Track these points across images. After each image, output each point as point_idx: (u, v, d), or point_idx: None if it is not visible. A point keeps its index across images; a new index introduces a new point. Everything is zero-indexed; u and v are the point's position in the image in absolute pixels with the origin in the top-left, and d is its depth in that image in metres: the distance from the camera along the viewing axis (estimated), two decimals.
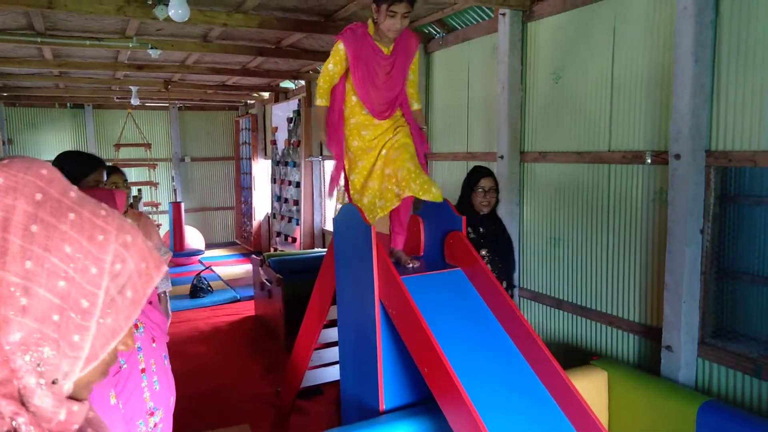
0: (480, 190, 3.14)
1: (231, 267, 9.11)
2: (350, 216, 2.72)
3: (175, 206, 9.00)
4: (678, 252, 2.85)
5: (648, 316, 3.21)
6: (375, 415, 2.53)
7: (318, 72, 7.45)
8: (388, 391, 2.54)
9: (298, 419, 3.93)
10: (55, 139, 10.03)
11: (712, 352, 2.85)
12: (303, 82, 7.91)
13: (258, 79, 8.15)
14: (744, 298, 2.89)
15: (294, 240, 8.28)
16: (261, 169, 10.18)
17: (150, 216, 9.95)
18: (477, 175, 3.19)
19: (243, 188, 11.02)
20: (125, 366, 1.75)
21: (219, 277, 8.25)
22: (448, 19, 4.69)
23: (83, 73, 7.35)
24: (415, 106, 2.87)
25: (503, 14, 3.92)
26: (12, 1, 3.63)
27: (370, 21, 2.64)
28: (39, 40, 4.99)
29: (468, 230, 3.10)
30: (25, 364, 0.61)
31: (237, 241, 11.32)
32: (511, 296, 3.20)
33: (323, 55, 6.18)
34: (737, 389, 2.78)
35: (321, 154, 7.82)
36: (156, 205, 9.93)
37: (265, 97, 9.85)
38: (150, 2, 3.98)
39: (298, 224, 8.14)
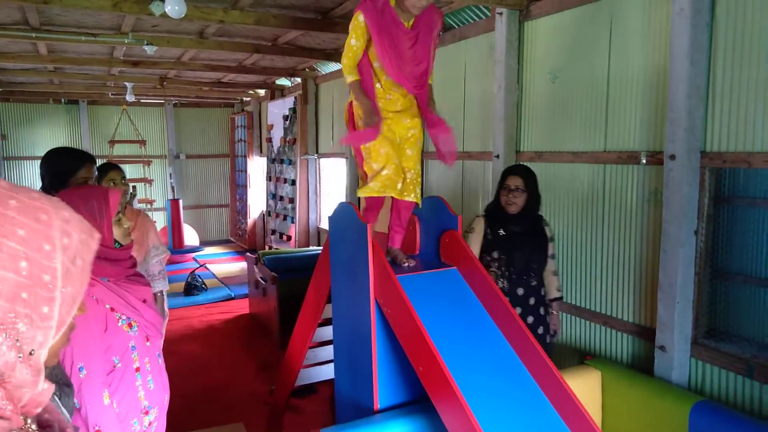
0: (505, 188, 3.05)
1: (225, 265, 9.09)
2: (346, 214, 2.71)
3: (173, 203, 8.98)
4: (672, 252, 2.86)
5: (642, 316, 3.22)
6: (369, 413, 2.53)
7: (314, 69, 7.44)
8: (382, 389, 2.54)
9: (292, 418, 3.93)
10: (50, 134, 9.98)
11: (706, 353, 2.86)
12: (299, 80, 7.89)
13: (254, 76, 8.14)
14: (737, 299, 2.91)
15: (289, 238, 8.27)
16: (256, 167, 10.16)
17: (146, 212, 9.94)
18: (505, 173, 3.11)
19: (238, 186, 11.00)
20: (119, 365, 1.74)
21: (213, 274, 8.23)
22: (445, 18, 4.69)
23: (78, 68, 7.32)
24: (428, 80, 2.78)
25: (500, 13, 3.92)
26: None
27: None
28: (34, 35, 4.96)
29: (486, 231, 3.09)
30: (4, 341, 0.67)
31: (232, 239, 11.29)
32: (535, 310, 3.08)
33: (320, 53, 6.18)
34: (730, 389, 2.79)
35: (317, 152, 7.81)
36: (150, 202, 9.91)
37: (261, 95, 9.83)
38: None
39: (293, 222, 8.13)
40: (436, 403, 2.18)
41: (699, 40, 2.73)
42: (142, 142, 10.12)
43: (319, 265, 3.26)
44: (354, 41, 2.53)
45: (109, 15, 4.57)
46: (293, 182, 8.10)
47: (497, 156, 4.05)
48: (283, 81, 8.73)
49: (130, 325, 1.79)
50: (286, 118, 8.39)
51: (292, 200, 8.18)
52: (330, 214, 2.89)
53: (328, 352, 3.79)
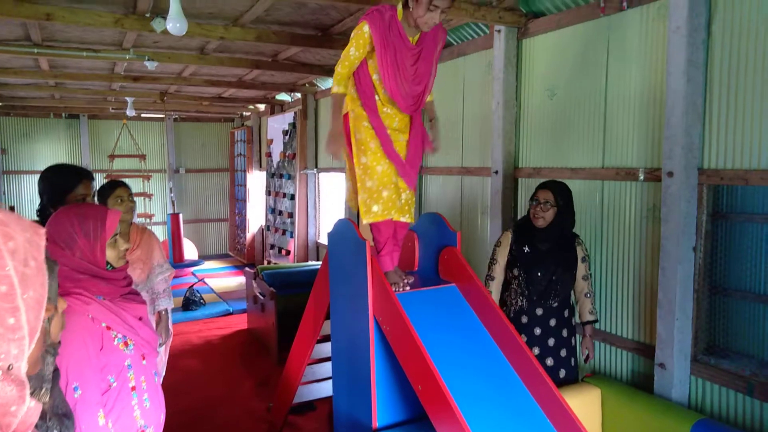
0: (535, 201, 2.97)
1: (224, 279, 9.07)
2: (345, 231, 2.71)
3: (174, 218, 8.99)
4: (671, 269, 2.86)
5: (641, 333, 3.21)
6: None
7: (314, 85, 7.49)
8: (381, 407, 2.52)
9: None
10: (50, 149, 10.01)
11: (705, 370, 2.85)
12: (299, 95, 7.94)
13: (254, 91, 8.18)
14: (736, 315, 2.90)
15: (288, 253, 8.26)
16: (256, 181, 10.17)
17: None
18: (537, 186, 3.01)
19: (237, 200, 11.01)
20: (115, 384, 1.73)
21: (212, 289, 8.20)
22: None
23: (79, 83, 7.36)
24: (428, 97, 2.75)
25: (498, 31, 3.96)
26: (10, 12, 3.64)
27: (399, 6, 2.45)
28: (36, 50, 5.00)
29: (512, 246, 3.03)
30: None
31: (230, 254, 11.28)
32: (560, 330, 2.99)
33: (319, 69, 6.22)
34: (730, 407, 2.78)
35: (316, 167, 7.83)
36: (150, 217, 9.91)
37: (261, 110, 9.88)
38: (148, 15, 4.00)
39: (292, 237, 8.12)
40: (435, 422, 2.17)
41: (695, 58, 2.75)
42: (142, 157, 10.14)
43: (317, 282, 3.25)
44: (354, 51, 2.46)
45: (111, 31, 4.61)
46: (292, 197, 8.11)
47: (496, 172, 4.06)
48: (283, 96, 8.77)
49: (126, 344, 1.78)
50: (285, 132, 8.42)
51: (291, 215, 8.18)
52: (329, 230, 2.89)
53: (326, 368, 3.77)
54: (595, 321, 3.06)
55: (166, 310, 3.00)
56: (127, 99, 8.14)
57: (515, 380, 2.47)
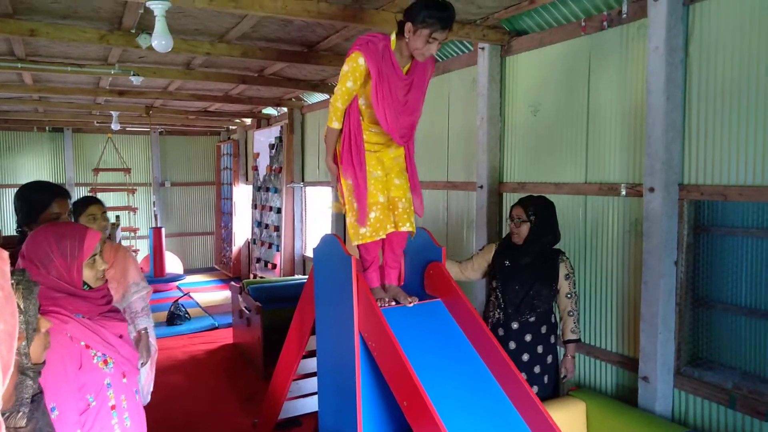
0: (510, 218, 3.02)
1: (209, 293, 8.99)
2: (331, 246, 2.72)
3: (156, 231, 8.91)
4: (653, 283, 2.90)
5: (625, 347, 3.24)
6: None
7: (300, 99, 7.52)
8: (366, 423, 2.52)
9: None
10: (33, 163, 9.91)
11: (688, 383, 2.88)
12: (285, 109, 7.96)
13: (240, 105, 8.19)
14: (719, 327, 2.95)
15: (274, 266, 8.23)
16: (242, 195, 10.15)
17: (129, 241, 9.84)
18: (514, 203, 3.04)
19: (223, 213, 10.96)
20: (94, 403, 1.71)
21: (197, 303, 8.13)
22: None
23: (63, 97, 7.32)
24: None
25: (482, 48, 4.01)
26: None
27: (393, 35, 2.43)
28: (19, 65, 4.97)
29: (494, 258, 3.07)
30: None
31: (216, 267, 11.20)
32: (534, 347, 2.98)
33: (305, 84, 6.25)
34: (713, 420, 2.81)
35: (303, 181, 7.83)
36: (134, 230, 9.82)
37: (248, 123, 9.88)
38: (133, 31, 4.00)
39: (278, 250, 8.10)
40: None
41: (674, 77, 2.82)
42: (127, 170, 10.07)
43: (303, 297, 3.25)
44: (351, 84, 2.40)
45: (96, 46, 4.60)
46: (279, 210, 8.09)
47: (481, 186, 4.10)
48: (269, 110, 8.79)
49: (105, 362, 1.77)
50: (272, 146, 8.42)
51: (277, 228, 8.16)
52: (315, 244, 2.89)
53: (312, 384, 3.75)
54: (577, 340, 3.01)
55: (145, 329, 2.93)
56: (112, 113, 8.10)
57: (500, 395, 2.48)
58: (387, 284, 2.78)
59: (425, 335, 2.61)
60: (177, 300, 7.38)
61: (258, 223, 8.98)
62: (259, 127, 9.22)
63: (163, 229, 9.11)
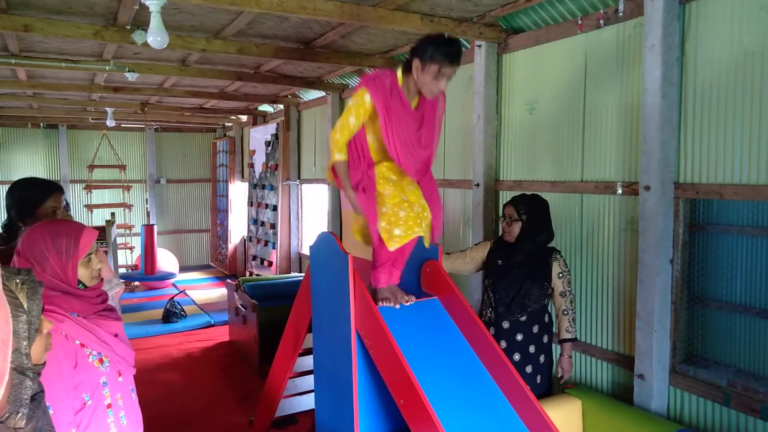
0: (501, 217, 3.04)
1: (205, 291, 8.98)
2: (327, 244, 2.71)
3: (148, 229, 8.87)
4: (649, 282, 2.91)
5: (621, 345, 3.26)
6: None
7: (297, 96, 7.50)
8: (363, 420, 2.52)
9: None
10: (27, 159, 9.86)
11: (684, 381, 2.90)
12: (281, 106, 7.94)
13: (236, 102, 8.16)
14: (714, 325, 2.96)
15: (270, 264, 8.22)
16: (238, 192, 10.12)
17: (125, 238, 9.81)
18: (506, 202, 3.05)
19: (219, 211, 10.94)
20: (90, 402, 1.70)
21: (193, 301, 8.12)
22: None
23: (58, 94, 7.27)
24: None
25: (479, 46, 4.01)
26: None
27: (399, 71, 2.42)
28: (13, 61, 4.94)
29: (488, 256, 3.08)
30: None
31: (212, 264, 11.18)
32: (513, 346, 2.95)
33: (302, 81, 6.23)
34: (708, 418, 2.82)
35: (299, 178, 7.82)
36: (129, 228, 9.79)
37: (243, 120, 9.85)
38: (128, 27, 3.98)
39: (274, 248, 8.09)
40: None
41: (670, 75, 2.82)
42: (122, 167, 10.03)
43: (299, 294, 3.24)
44: (353, 120, 2.37)
45: (91, 42, 4.58)
46: (275, 208, 8.08)
47: (477, 184, 4.10)
48: (265, 107, 8.76)
49: (101, 361, 1.76)
50: (268, 143, 8.40)
51: (273, 226, 8.15)
52: (311, 241, 2.89)
53: (308, 381, 3.75)
54: (573, 339, 2.99)
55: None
56: (107, 109, 8.07)
57: (497, 393, 2.48)
58: (390, 283, 2.75)
59: (422, 333, 2.61)
60: (173, 297, 7.36)
61: (254, 221, 8.96)
62: (255, 124, 9.19)
63: (155, 227, 9.07)
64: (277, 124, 8.04)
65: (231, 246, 10.14)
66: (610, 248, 3.30)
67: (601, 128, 3.32)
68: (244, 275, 9.29)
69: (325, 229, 2.73)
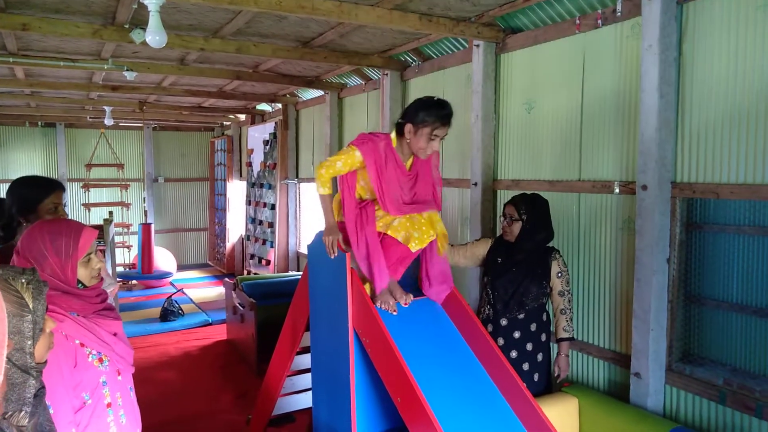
0: (502, 216, 3.04)
1: (203, 289, 8.98)
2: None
3: (145, 228, 8.87)
4: (645, 280, 2.92)
5: (618, 343, 3.27)
6: None
7: (295, 95, 7.50)
8: (360, 419, 2.53)
9: None
10: (25, 158, 9.84)
11: (680, 379, 2.91)
12: (280, 105, 7.94)
13: (234, 101, 8.16)
14: (710, 323, 2.97)
15: (268, 262, 8.22)
16: (236, 191, 10.12)
17: (122, 237, 9.80)
18: (507, 201, 3.06)
19: (217, 209, 10.93)
20: (90, 401, 1.71)
21: (191, 300, 8.12)
22: (424, 48, 4.79)
23: (56, 92, 7.27)
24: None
25: (477, 45, 4.02)
26: None
27: (393, 134, 2.52)
28: (11, 60, 4.93)
29: (488, 254, 3.08)
30: None
31: (210, 263, 11.18)
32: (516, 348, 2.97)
33: (300, 80, 6.24)
34: (704, 416, 2.84)
35: (297, 177, 7.83)
36: (127, 226, 9.78)
37: (242, 119, 9.85)
38: (127, 26, 3.98)
39: (272, 247, 8.09)
40: None
41: (667, 75, 2.83)
42: (120, 166, 10.01)
43: (297, 293, 3.25)
44: (341, 165, 2.47)
45: (89, 41, 4.58)
46: (273, 207, 8.08)
47: (475, 184, 4.11)
48: (263, 106, 8.76)
49: (101, 360, 1.76)
50: (266, 142, 8.40)
51: (271, 225, 8.15)
52: (309, 241, 2.89)
53: (306, 380, 3.76)
54: (570, 338, 2.99)
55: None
56: (106, 108, 8.06)
57: (494, 391, 2.49)
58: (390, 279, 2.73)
59: (419, 331, 2.62)
60: (170, 296, 7.36)
61: (252, 220, 8.96)
62: (253, 123, 9.19)
63: (152, 226, 9.06)
64: (276, 123, 8.04)
65: (229, 245, 10.14)
66: (607, 247, 3.31)
67: (598, 128, 3.33)
68: (242, 274, 9.29)
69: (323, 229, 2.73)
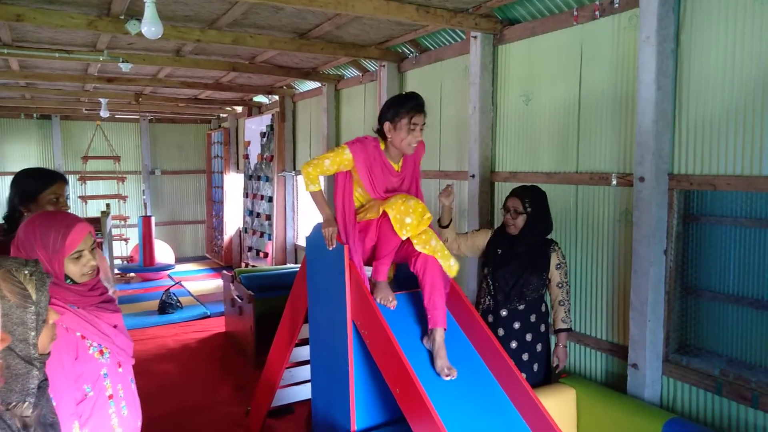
0: (505, 209, 3.02)
1: (201, 282, 8.98)
2: (324, 234, 2.72)
3: (145, 220, 8.86)
4: (642, 272, 2.93)
5: (615, 335, 3.28)
6: None
7: (292, 87, 7.47)
8: (359, 410, 2.54)
9: None
10: (20, 150, 9.78)
11: (676, 370, 2.93)
12: (276, 97, 7.91)
13: (231, 93, 8.13)
14: (707, 315, 2.99)
15: (266, 255, 8.22)
16: (233, 183, 10.10)
17: (120, 230, 9.78)
18: (508, 194, 3.06)
19: (214, 202, 10.91)
20: (91, 393, 1.71)
21: (189, 292, 8.12)
22: (422, 40, 4.77)
23: (51, 84, 7.22)
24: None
25: (475, 37, 4.00)
26: None
27: (380, 141, 2.61)
28: (5, 51, 4.89)
29: (488, 245, 3.09)
30: None
31: (208, 255, 11.17)
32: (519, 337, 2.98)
33: (297, 72, 6.21)
34: (700, 406, 2.86)
35: (294, 169, 7.81)
36: (124, 219, 9.77)
37: (239, 111, 9.81)
38: (122, 17, 3.95)
39: (270, 239, 8.09)
40: (413, 425, 2.19)
41: (665, 67, 2.83)
42: (117, 158, 9.98)
43: (296, 285, 3.26)
44: (329, 163, 2.56)
45: (84, 32, 4.54)
46: (270, 199, 8.07)
47: (473, 176, 4.11)
48: (260, 98, 8.73)
49: (101, 352, 1.77)
50: (263, 135, 8.38)
51: (269, 217, 8.14)
52: (307, 233, 2.89)
53: (305, 372, 3.77)
54: (568, 329, 3.02)
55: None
56: (101, 100, 8.01)
57: (492, 382, 2.51)
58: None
59: (417, 323, 2.63)
60: (168, 289, 7.36)
61: (249, 212, 8.95)
62: (250, 115, 9.16)
63: (152, 218, 9.06)
64: (273, 115, 8.02)
65: (226, 237, 10.13)
66: (605, 239, 3.32)
67: (596, 120, 3.33)
68: (240, 266, 9.29)
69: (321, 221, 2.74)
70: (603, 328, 3.35)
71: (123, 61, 5.20)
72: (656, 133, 2.84)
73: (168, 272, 9.20)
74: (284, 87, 7.57)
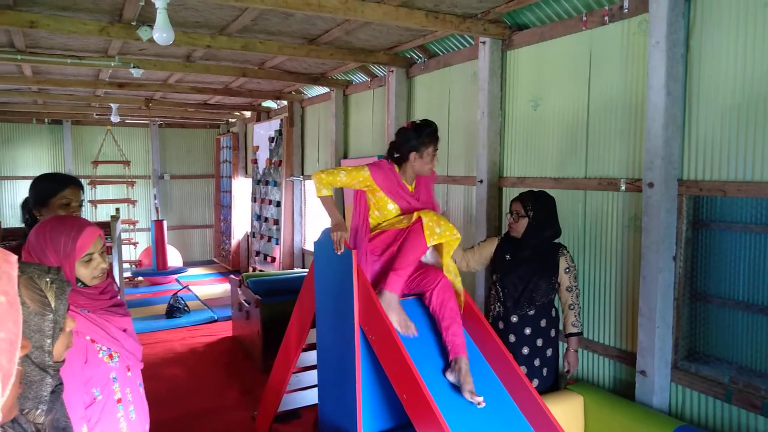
0: (509, 212, 3.07)
1: (209, 286, 9.01)
2: (332, 239, 2.72)
3: (158, 224, 8.92)
4: (651, 278, 2.92)
5: (623, 341, 3.26)
6: None
7: (301, 92, 7.51)
8: (366, 415, 2.54)
9: None
10: (32, 155, 9.87)
11: (685, 377, 2.90)
12: (285, 102, 7.95)
13: (240, 98, 8.17)
14: (716, 321, 2.96)
15: (273, 259, 8.24)
16: (241, 188, 10.14)
17: (129, 234, 9.84)
18: (514, 198, 3.10)
19: (222, 207, 10.96)
20: (100, 397, 1.72)
21: (196, 296, 8.15)
22: (430, 45, 4.78)
23: (63, 89, 7.29)
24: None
25: (483, 42, 4.01)
26: None
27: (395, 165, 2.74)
28: (19, 57, 4.95)
29: (495, 252, 3.11)
30: None
31: (215, 260, 11.21)
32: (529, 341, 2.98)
33: (306, 77, 6.25)
34: (709, 414, 2.83)
35: (302, 174, 7.84)
36: (134, 223, 9.83)
37: (247, 116, 9.86)
38: (134, 23, 3.99)
39: (277, 244, 8.11)
40: (420, 431, 2.18)
41: (675, 72, 2.82)
42: (126, 163, 10.05)
43: (303, 290, 3.26)
44: (343, 175, 2.67)
45: (96, 38, 4.59)
46: (278, 204, 8.10)
47: (481, 181, 4.10)
48: (269, 103, 8.77)
49: (110, 356, 1.78)
50: (271, 139, 8.42)
51: (276, 222, 8.16)
52: (315, 237, 2.90)
53: (312, 377, 3.77)
54: (579, 334, 3.01)
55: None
56: (112, 105, 8.08)
57: (499, 388, 2.50)
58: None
59: (424, 328, 2.62)
60: (176, 293, 7.39)
61: (257, 217, 8.98)
62: (258, 120, 9.20)
63: (165, 222, 9.12)
64: (281, 120, 8.05)
65: (234, 242, 10.17)
66: (613, 245, 3.30)
67: (605, 125, 3.32)
68: (248, 271, 9.32)
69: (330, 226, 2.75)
70: (611, 335, 3.33)
71: (134, 67, 5.25)
72: (666, 138, 2.83)
73: (176, 276, 9.25)
74: (293, 92, 7.61)
